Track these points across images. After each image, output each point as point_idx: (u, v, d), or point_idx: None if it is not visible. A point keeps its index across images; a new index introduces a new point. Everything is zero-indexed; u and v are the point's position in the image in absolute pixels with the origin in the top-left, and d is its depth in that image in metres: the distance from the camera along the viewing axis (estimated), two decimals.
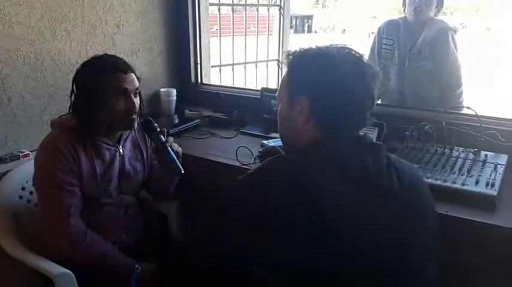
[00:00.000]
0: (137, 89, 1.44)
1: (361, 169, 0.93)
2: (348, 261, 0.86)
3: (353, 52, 1.02)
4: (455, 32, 2.27)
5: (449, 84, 2.30)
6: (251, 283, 0.96)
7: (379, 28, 2.50)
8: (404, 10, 2.36)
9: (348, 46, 1.04)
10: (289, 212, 0.85)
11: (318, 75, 1.00)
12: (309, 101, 1.00)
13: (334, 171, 0.91)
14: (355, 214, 0.88)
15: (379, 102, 2.53)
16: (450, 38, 2.26)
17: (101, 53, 1.47)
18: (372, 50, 2.55)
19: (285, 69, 1.09)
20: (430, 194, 1.08)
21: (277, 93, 1.11)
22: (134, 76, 1.44)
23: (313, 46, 1.05)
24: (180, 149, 1.52)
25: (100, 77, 1.37)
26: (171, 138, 1.51)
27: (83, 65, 1.44)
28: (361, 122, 1.03)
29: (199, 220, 1.04)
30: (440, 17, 2.38)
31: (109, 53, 1.50)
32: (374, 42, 2.53)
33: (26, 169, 1.64)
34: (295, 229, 0.85)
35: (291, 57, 1.06)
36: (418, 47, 2.28)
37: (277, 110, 1.12)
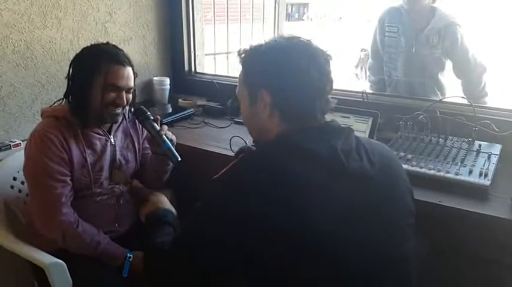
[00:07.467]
0: (130, 88, 1.44)
1: (330, 153, 0.94)
2: (328, 249, 0.86)
3: (302, 39, 1.04)
4: (460, 26, 2.27)
5: (469, 78, 2.30)
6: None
7: (381, 17, 2.46)
8: None
9: (296, 35, 1.06)
10: (266, 210, 0.86)
11: (273, 68, 1.01)
12: (270, 94, 1.01)
13: (304, 160, 0.92)
14: (331, 199, 0.90)
15: (373, 91, 2.53)
16: (458, 32, 2.25)
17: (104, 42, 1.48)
18: (374, 40, 2.52)
19: (239, 68, 1.11)
20: (404, 171, 1.09)
21: (236, 91, 1.12)
22: (131, 71, 1.44)
23: (262, 42, 1.07)
24: (174, 137, 1.52)
25: (98, 61, 1.38)
26: (165, 127, 1.50)
27: (84, 48, 1.44)
28: (324, 106, 1.04)
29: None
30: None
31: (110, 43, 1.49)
32: (376, 31, 2.50)
33: (17, 159, 1.62)
34: (272, 227, 0.86)
35: (243, 55, 1.08)
36: (426, 35, 2.26)
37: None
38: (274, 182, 0.89)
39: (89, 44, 1.45)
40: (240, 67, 1.09)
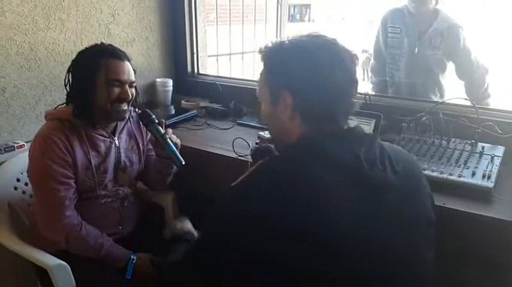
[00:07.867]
0: (132, 82, 1.45)
1: (353, 160, 0.92)
2: (346, 250, 0.85)
3: (326, 38, 1.01)
4: (462, 28, 2.29)
5: (471, 79, 2.32)
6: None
7: (383, 18, 2.47)
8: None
9: (319, 33, 1.02)
10: (282, 211, 0.84)
11: (296, 68, 0.98)
12: (292, 95, 0.98)
13: (326, 164, 0.90)
14: (351, 202, 0.88)
15: (375, 93, 2.53)
16: (460, 34, 2.27)
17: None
18: (377, 40, 2.53)
19: (261, 66, 1.06)
20: (426, 180, 1.07)
21: (257, 92, 1.09)
22: (130, 65, 1.44)
23: (285, 39, 1.03)
24: (178, 141, 1.52)
25: (96, 59, 1.38)
26: (170, 130, 1.50)
27: (79, 52, 1.44)
28: (348, 109, 1.01)
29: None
30: None
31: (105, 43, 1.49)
32: (378, 32, 2.51)
33: (21, 160, 1.63)
34: (288, 228, 0.84)
35: (264, 53, 1.04)
36: (429, 36, 2.28)
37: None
38: (292, 184, 0.87)
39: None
40: (262, 65, 1.05)
